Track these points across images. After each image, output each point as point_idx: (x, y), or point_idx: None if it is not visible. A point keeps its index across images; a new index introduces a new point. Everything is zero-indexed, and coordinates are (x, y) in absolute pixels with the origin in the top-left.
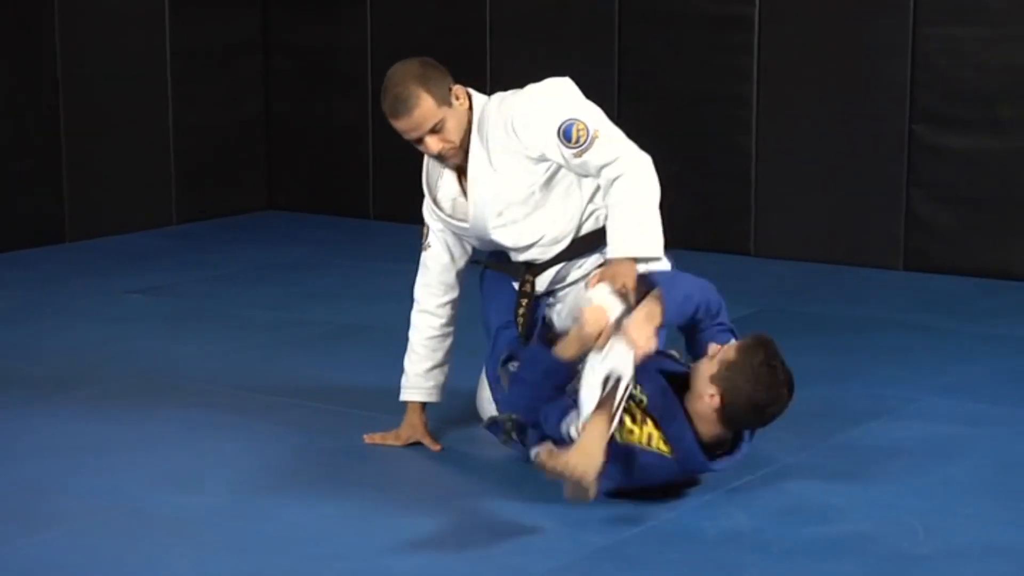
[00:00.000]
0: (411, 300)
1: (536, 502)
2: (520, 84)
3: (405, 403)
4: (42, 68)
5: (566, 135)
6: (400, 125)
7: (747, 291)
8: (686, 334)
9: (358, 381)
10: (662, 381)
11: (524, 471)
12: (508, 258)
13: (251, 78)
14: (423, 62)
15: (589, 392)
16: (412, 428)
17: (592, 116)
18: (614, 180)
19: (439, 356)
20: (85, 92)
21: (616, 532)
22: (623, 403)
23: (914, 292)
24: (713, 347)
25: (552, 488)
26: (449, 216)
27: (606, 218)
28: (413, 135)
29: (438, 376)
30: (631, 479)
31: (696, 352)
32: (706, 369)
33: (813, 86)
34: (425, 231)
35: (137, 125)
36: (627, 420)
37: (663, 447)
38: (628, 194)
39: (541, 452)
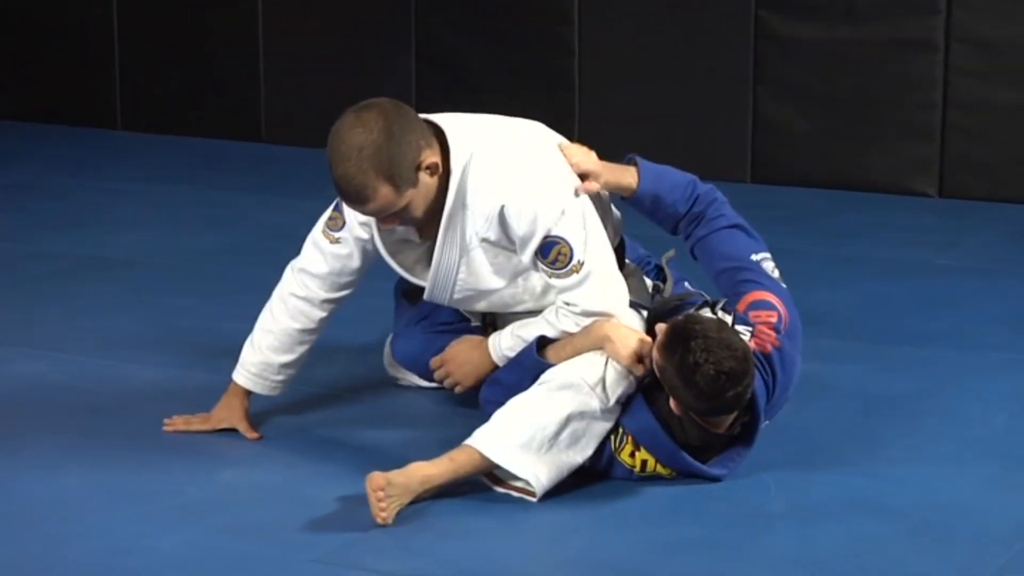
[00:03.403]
0: (173, 227)
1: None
2: None
3: (229, 381)
4: None
5: (543, 251)
6: (351, 208)
7: None
8: (687, 238)
9: (108, 325)
10: (641, 410)
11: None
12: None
13: None
14: (387, 127)
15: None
16: (229, 411)
17: (583, 242)
18: (568, 306)
19: (302, 350)
20: None
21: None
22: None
23: (762, 208)
24: (658, 328)
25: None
26: (399, 265)
27: None
28: (365, 217)
29: (289, 372)
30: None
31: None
32: (656, 369)
33: None
34: (339, 221)
35: None
36: (627, 448)
37: (662, 470)
38: (555, 326)
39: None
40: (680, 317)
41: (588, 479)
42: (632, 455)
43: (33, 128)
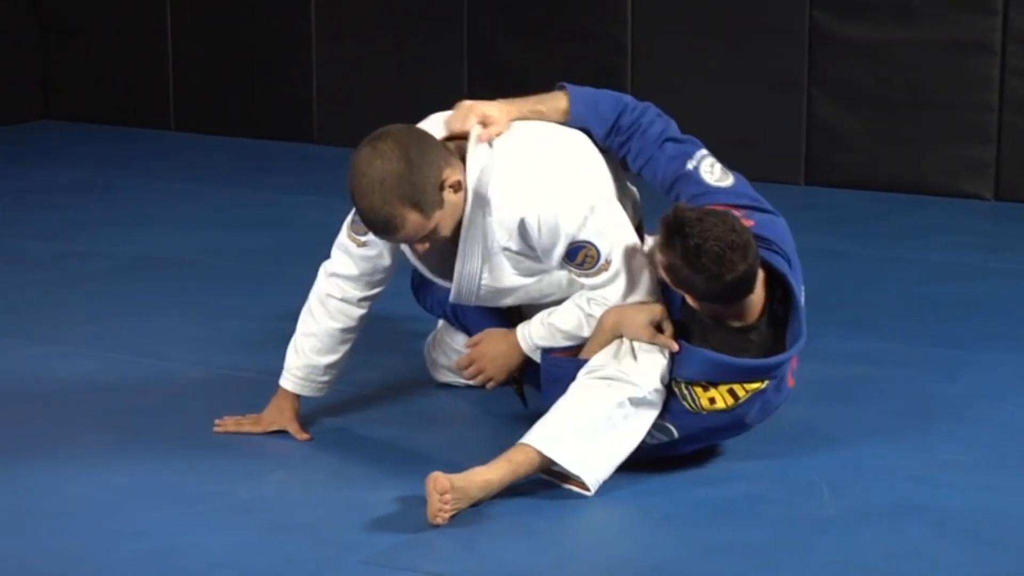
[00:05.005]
0: (224, 227)
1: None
2: None
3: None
4: None
5: (570, 256)
6: (381, 239)
7: None
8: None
9: (157, 325)
10: (689, 354)
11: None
12: None
13: None
14: (404, 154)
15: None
16: (279, 413)
17: (609, 241)
18: (595, 294)
19: (345, 349)
20: None
21: None
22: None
23: (815, 210)
24: (648, 242)
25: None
26: (425, 268)
27: None
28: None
29: (334, 372)
30: (762, 418)
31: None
32: (663, 276)
33: None
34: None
35: None
36: (701, 397)
37: (752, 385)
38: (585, 311)
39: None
40: (668, 212)
41: (642, 473)
42: (712, 400)
43: (86, 128)
